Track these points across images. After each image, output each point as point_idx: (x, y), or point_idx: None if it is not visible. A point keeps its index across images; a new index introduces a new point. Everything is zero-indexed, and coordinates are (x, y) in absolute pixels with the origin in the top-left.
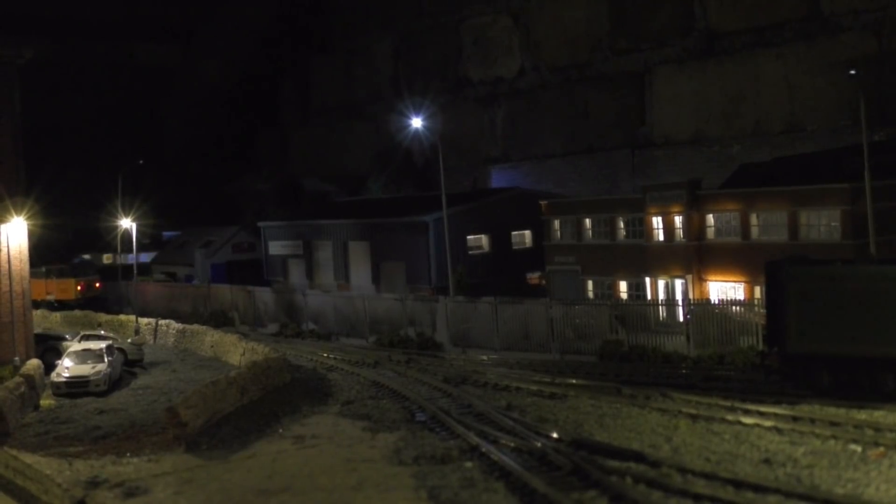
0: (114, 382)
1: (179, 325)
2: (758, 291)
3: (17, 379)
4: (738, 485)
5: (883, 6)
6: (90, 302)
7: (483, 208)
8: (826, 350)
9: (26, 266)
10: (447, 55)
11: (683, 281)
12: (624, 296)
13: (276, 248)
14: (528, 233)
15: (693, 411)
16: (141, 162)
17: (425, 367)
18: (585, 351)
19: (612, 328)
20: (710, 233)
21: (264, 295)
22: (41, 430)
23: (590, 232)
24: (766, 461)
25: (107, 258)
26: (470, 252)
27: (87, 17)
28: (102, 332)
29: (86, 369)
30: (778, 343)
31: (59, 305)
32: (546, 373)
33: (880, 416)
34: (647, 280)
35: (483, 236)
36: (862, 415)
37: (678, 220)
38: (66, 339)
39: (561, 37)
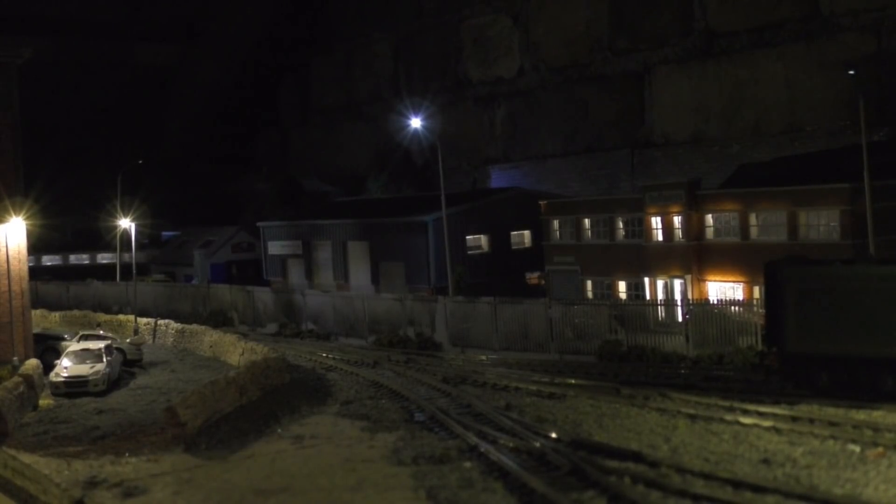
0: (112, 382)
1: (178, 325)
2: (757, 291)
3: (16, 379)
4: (737, 485)
5: (882, 6)
6: None
7: (482, 208)
8: (825, 350)
9: (25, 266)
10: (447, 55)
11: (682, 281)
12: (623, 296)
13: (275, 248)
14: (527, 233)
15: (692, 411)
16: (141, 162)
17: (424, 366)
18: (584, 351)
19: (611, 328)
20: (710, 233)
21: (263, 295)
22: (40, 429)
23: (589, 232)
24: (765, 461)
25: None
26: (469, 252)
27: (87, 17)
28: (101, 331)
29: (84, 369)
30: (777, 343)
31: None
32: (545, 373)
33: (879, 416)
34: (647, 280)
35: (482, 236)
36: (861, 415)
37: (677, 220)
38: (64, 339)
39: (561, 37)
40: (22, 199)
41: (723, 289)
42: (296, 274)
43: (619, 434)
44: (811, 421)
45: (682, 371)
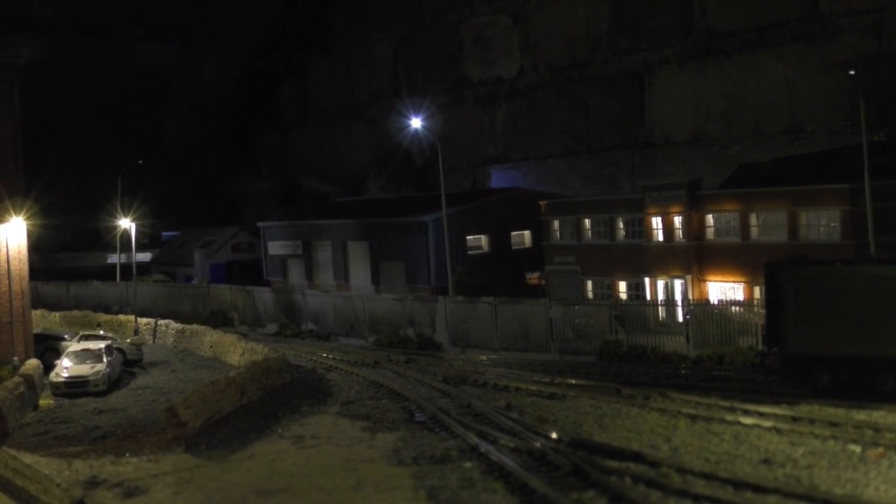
0: (113, 382)
1: (179, 325)
2: (757, 292)
3: (17, 379)
4: (738, 485)
5: (882, 6)
6: None
7: (483, 208)
8: (825, 350)
9: (25, 266)
10: (447, 55)
11: (683, 281)
12: (623, 296)
13: (275, 248)
14: (527, 233)
15: (692, 411)
16: (141, 162)
17: (424, 367)
18: (585, 351)
19: (611, 328)
20: (710, 233)
21: (264, 295)
22: (40, 430)
23: (589, 232)
24: (766, 461)
25: None
26: (469, 252)
27: (87, 17)
28: (102, 332)
29: (85, 369)
30: (777, 343)
31: None
32: (545, 373)
33: (879, 416)
34: (647, 280)
35: (482, 236)
36: (861, 415)
37: (677, 220)
38: (65, 339)
39: (561, 37)
40: (22, 198)
41: (723, 289)
42: (296, 274)
43: (619, 434)
44: (812, 421)
45: (683, 371)
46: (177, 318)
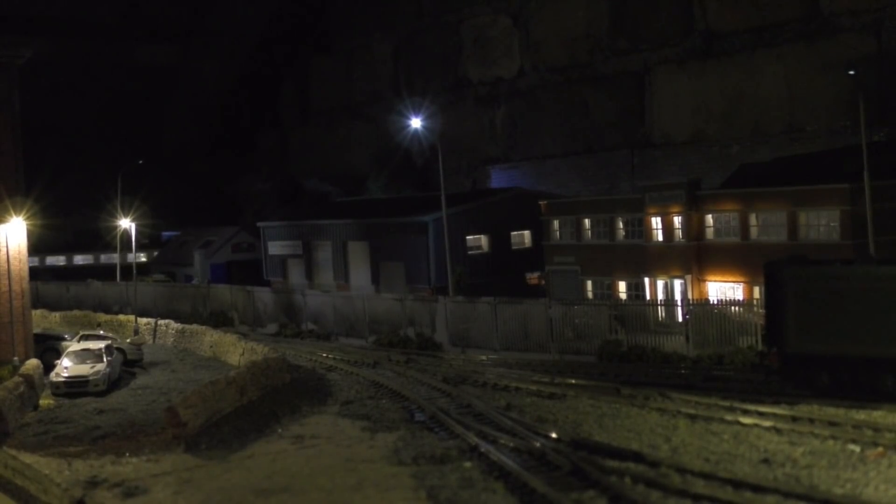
0: (113, 382)
1: (179, 325)
2: (757, 291)
3: (17, 379)
4: (737, 485)
5: (882, 6)
6: None
7: (482, 208)
8: (825, 350)
9: (26, 266)
10: (447, 55)
11: (682, 281)
12: (623, 296)
13: (275, 248)
14: (527, 233)
15: (692, 411)
16: (141, 162)
17: (424, 367)
18: (584, 351)
19: (611, 328)
20: (710, 233)
21: (264, 295)
22: (40, 429)
23: (589, 232)
24: (765, 461)
25: None
26: (469, 252)
27: (87, 17)
28: (102, 332)
29: (85, 369)
30: (777, 343)
31: None
32: (545, 373)
33: (879, 416)
34: (647, 280)
35: (482, 236)
36: (861, 415)
37: (677, 220)
38: (65, 339)
39: (561, 37)
40: (22, 199)
41: (723, 289)
42: (296, 274)
43: (619, 434)
44: (811, 421)
45: (683, 371)
46: (177, 318)
